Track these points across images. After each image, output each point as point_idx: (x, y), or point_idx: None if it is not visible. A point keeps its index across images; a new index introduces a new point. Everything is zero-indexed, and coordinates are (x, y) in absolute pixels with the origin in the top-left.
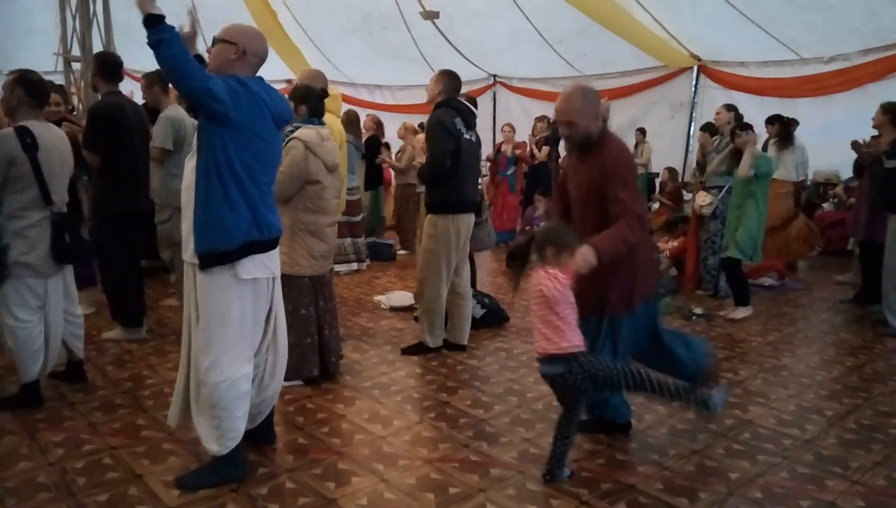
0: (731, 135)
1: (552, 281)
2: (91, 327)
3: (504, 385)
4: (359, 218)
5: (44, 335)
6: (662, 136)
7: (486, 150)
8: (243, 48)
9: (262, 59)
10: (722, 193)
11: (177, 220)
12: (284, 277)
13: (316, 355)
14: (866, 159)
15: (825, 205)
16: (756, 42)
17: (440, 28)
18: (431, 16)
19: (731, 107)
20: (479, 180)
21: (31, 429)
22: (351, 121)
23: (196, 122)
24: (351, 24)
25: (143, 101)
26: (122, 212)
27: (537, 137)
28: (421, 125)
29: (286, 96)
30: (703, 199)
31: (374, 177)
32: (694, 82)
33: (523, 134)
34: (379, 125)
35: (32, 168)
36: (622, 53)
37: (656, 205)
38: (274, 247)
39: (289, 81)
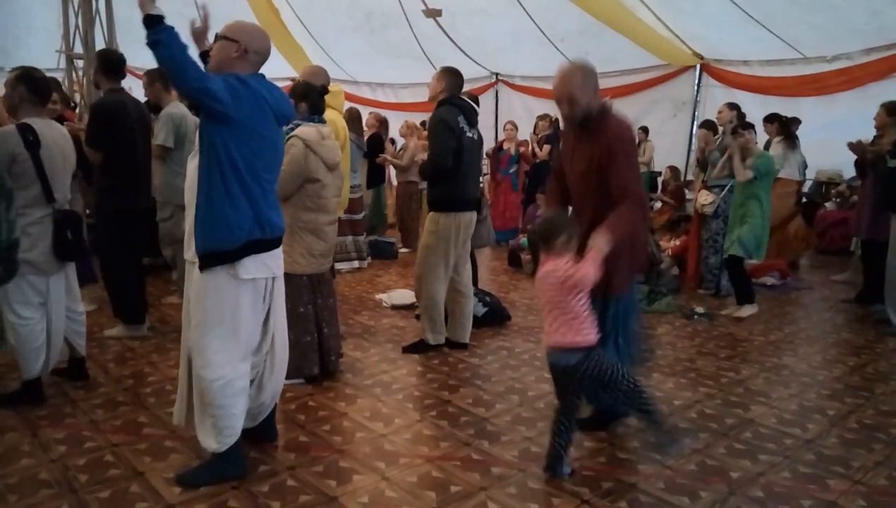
0: (731, 134)
1: (576, 271)
2: (93, 324)
3: (505, 383)
4: (360, 216)
5: (46, 332)
6: (665, 135)
7: (487, 148)
8: (245, 46)
9: (263, 56)
10: (724, 192)
11: (178, 218)
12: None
13: (316, 353)
14: (869, 159)
15: (827, 205)
16: (759, 41)
17: (442, 26)
18: (434, 14)
19: (733, 106)
20: (481, 178)
21: (32, 426)
22: (353, 120)
23: (198, 120)
24: (353, 22)
25: (146, 98)
26: (123, 209)
27: (539, 136)
28: (423, 123)
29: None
30: (705, 198)
31: (376, 176)
32: (696, 81)
33: (525, 132)
34: (383, 122)
35: (34, 165)
36: (625, 52)
37: (658, 205)
38: (276, 247)
39: (292, 80)
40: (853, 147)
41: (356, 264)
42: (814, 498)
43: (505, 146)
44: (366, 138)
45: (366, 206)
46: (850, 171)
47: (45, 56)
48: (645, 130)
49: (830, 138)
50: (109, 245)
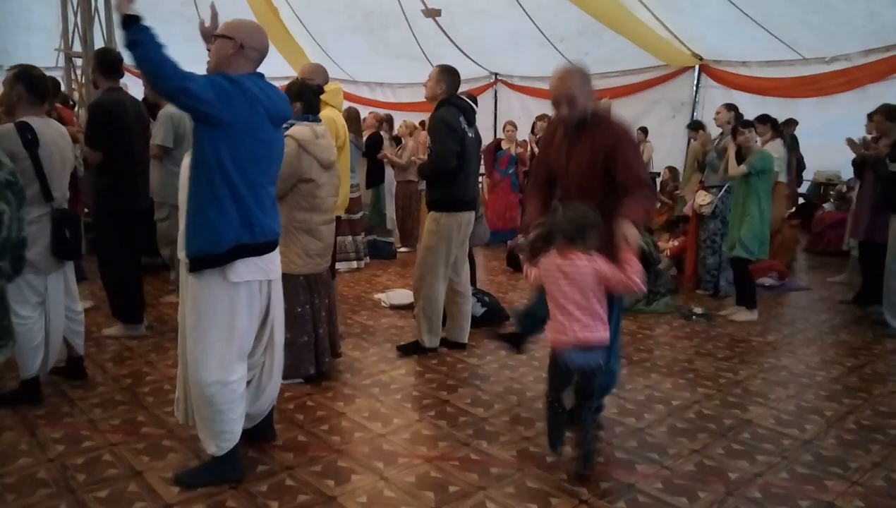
0: (732, 134)
1: (609, 265)
2: (91, 324)
3: (504, 383)
4: (359, 215)
5: (44, 331)
6: (663, 136)
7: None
8: (241, 42)
9: (262, 53)
10: (721, 192)
11: (175, 218)
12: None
13: (312, 353)
14: (868, 160)
15: (826, 205)
16: (757, 42)
17: (441, 26)
18: (433, 13)
19: (731, 107)
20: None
21: (30, 425)
22: (351, 119)
23: None
24: (352, 22)
25: (143, 97)
26: (121, 208)
27: (538, 136)
28: (422, 123)
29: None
30: (703, 199)
31: (375, 175)
32: (695, 82)
33: (523, 133)
34: (383, 122)
35: (33, 164)
36: (624, 52)
37: (657, 205)
38: (269, 251)
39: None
40: (853, 144)
41: (354, 264)
42: (811, 499)
43: (504, 146)
44: (364, 138)
45: (365, 207)
46: (848, 172)
47: (43, 55)
48: (644, 131)
49: (829, 139)
50: (108, 244)
